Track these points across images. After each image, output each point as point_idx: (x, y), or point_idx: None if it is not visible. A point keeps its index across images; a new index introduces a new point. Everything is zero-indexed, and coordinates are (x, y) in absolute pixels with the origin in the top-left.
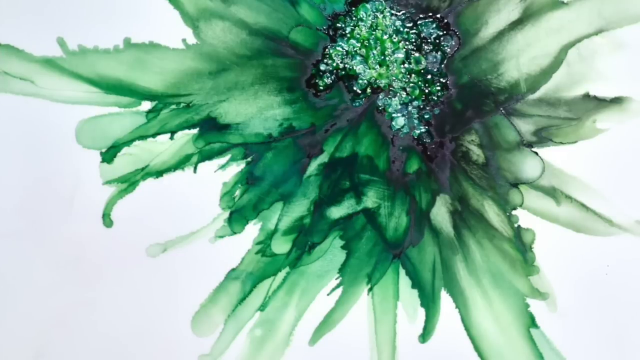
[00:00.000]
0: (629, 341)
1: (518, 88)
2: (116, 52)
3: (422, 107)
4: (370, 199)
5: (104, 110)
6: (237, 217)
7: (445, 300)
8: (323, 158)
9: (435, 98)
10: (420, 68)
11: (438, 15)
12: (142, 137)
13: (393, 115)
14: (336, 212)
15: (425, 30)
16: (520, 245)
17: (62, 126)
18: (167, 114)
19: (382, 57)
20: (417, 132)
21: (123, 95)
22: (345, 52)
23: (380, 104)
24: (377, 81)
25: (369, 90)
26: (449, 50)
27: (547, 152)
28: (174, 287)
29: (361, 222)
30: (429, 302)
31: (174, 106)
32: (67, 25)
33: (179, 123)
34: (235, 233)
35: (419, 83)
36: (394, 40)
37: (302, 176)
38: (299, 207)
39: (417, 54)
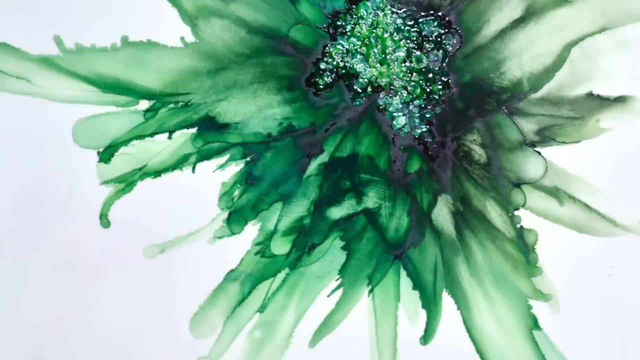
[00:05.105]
0: (633, 343)
1: (520, 87)
2: (114, 50)
3: (423, 106)
4: (371, 199)
5: (101, 110)
6: (236, 218)
7: (447, 301)
8: (323, 158)
9: (437, 97)
10: (422, 67)
11: (439, 13)
12: (140, 137)
13: (394, 114)
14: (336, 212)
15: (426, 28)
16: (523, 246)
17: (59, 125)
18: (165, 113)
19: (383, 56)
20: (419, 131)
21: (121, 94)
22: (345, 51)
23: (381, 103)
24: (378, 80)
25: (369, 89)
26: (450, 48)
27: (550, 152)
28: (172, 288)
29: (362, 223)
30: (430, 304)
31: (172, 105)
32: (64, 24)
33: (177, 122)
34: (234, 234)
35: (420, 82)
36: (395, 38)
37: (301, 176)
38: (299, 208)
39: (418, 53)
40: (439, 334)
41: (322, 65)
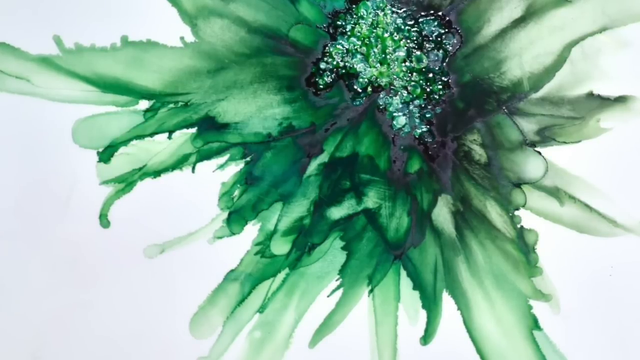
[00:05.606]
0: (633, 343)
1: (521, 87)
2: (113, 50)
3: (423, 106)
4: (371, 199)
5: (101, 109)
6: (236, 218)
7: (447, 301)
8: (323, 158)
9: (437, 97)
10: (422, 66)
11: (440, 13)
12: (140, 137)
13: (394, 114)
14: (336, 212)
15: (426, 28)
16: (523, 246)
17: (58, 125)
18: (165, 113)
19: (383, 56)
20: (419, 131)
21: (120, 94)
22: (345, 51)
23: (381, 103)
24: (378, 80)
25: (369, 89)
26: (450, 48)
27: (550, 152)
28: (171, 288)
29: (362, 223)
30: (430, 304)
31: (172, 105)
32: (64, 23)
33: (177, 122)
34: (234, 234)
35: (421, 82)
36: (395, 38)
37: (301, 176)
38: (299, 208)
39: (418, 52)
40: (439, 334)
41: (322, 65)
